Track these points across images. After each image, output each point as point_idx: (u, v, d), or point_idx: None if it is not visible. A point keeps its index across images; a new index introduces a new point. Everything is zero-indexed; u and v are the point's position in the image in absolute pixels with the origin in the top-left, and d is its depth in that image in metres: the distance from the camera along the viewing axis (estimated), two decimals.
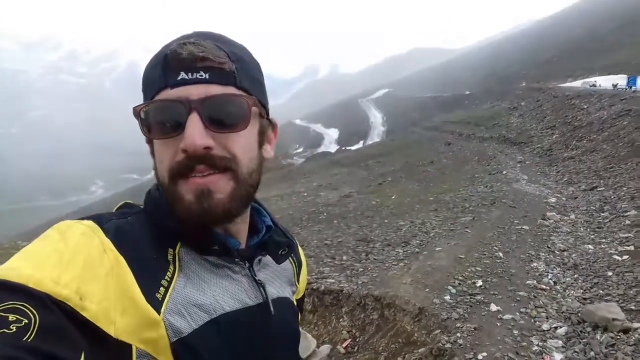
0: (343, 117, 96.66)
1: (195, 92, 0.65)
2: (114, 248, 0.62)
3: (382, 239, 8.78)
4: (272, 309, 0.77)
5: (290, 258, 0.92)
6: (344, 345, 5.46)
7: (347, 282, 6.51)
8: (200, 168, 0.65)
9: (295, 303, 0.92)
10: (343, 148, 60.84)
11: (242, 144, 0.69)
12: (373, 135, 70.64)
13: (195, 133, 0.63)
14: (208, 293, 0.69)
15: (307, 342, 3.97)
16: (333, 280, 6.63)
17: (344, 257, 7.82)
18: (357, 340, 5.55)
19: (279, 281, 0.86)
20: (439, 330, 4.81)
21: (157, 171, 0.70)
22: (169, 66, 0.65)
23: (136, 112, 0.67)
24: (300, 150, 79.02)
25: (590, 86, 29.32)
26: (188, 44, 0.64)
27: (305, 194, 18.61)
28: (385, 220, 10.52)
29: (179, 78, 0.65)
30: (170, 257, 0.68)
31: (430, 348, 4.61)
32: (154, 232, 0.69)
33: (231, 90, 0.68)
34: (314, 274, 6.97)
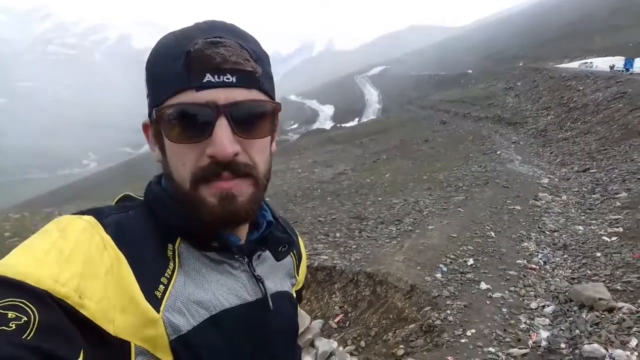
0: (339, 94, 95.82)
1: (223, 96, 0.63)
2: (114, 245, 0.61)
3: (375, 216, 8.85)
4: (270, 304, 0.77)
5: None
6: (336, 320, 5.56)
7: (340, 259, 6.59)
8: (225, 175, 0.64)
9: (294, 295, 0.92)
10: (338, 125, 60.52)
11: (260, 149, 0.69)
12: (368, 113, 70.23)
13: (225, 139, 0.63)
14: (207, 289, 0.69)
15: (301, 319, 4.02)
16: (326, 257, 6.70)
17: (338, 234, 7.89)
18: (349, 315, 5.65)
19: (278, 274, 0.86)
20: (430, 307, 4.91)
21: (172, 172, 0.67)
22: (193, 66, 0.62)
23: (158, 113, 0.65)
24: (295, 126, 78.53)
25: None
26: (216, 44, 0.62)
27: (300, 170, 18.60)
28: (379, 198, 10.57)
29: (204, 80, 0.62)
30: (170, 254, 0.68)
31: (421, 324, 4.71)
32: (154, 227, 0.69)
33: (255, 94, 0.67)
34: (307, 250, 7.01)
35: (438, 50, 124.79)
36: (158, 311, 0.62)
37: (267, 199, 0.84)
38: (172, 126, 0.64)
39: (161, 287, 0.64)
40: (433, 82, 63.93)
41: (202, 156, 0.64)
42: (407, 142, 22.12)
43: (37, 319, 0.49)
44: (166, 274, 0.65)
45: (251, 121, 0.66)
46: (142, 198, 0.75)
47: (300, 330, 3.93)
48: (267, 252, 0.81)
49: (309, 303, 6.11)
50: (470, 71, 55.59)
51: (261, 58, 0.69)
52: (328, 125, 67.72)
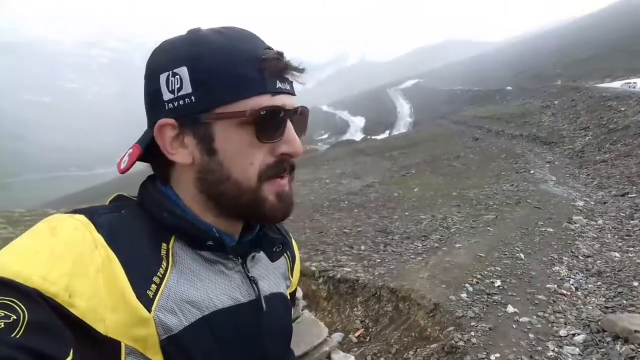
0: (370, 105, 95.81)
1: (289, 101, 0.71)
2: (105, 244, 0.61)
3: (401, 231, 8.73)
4: (264, 305, 0.77)
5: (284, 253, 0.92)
6: (356, 334, 5.49)
7: (364, 272, 6.51)
8: (288, 170, 0.73)
9: (288, 297, 0.92)
10: (368, 137, 60.38)
11: None
12: (399, 126, 69.94)
13: (298, 140, 0.71)
14: (201, 289, 0.69)
15: (319, 330, 3.99)
16: (350, 269, 6.64)
17: (362, 247, 7.81)
18: (370, 330, 5.56)
19: (273, 276, 0.85)
20: (453, 328, 4.78)
21: (233, 172, 0.69)
22: (268, 72, 0.69)
23: (255, 111, 0.67)
24: (325, 136, 78.94)
25: None
26: (282, 54, 0.70)
27: (328, 180, 18.58)
28: (406, 213, 10.44)
29: (277, 87, 0.70)
30: (163, 252, 0.68)
31: (443, 344, 4.59)
32: (148, 226, 0.69)
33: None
34: (331, 261, 6.99)
35: (472, 65, 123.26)
36: (149, 310, 0.62)
37: None
38: (261, 126, 0.68)
39: (153, 286, 0.63)
40: (466, 97, 63.08)
41: (268, 155, 0.70)
42: (437, 157, 21.83)
43: (26, 318, 0.49)
44: (159, 273, 0.65)
45: (303, 125, 0.76)
46: (135, 198, 0.76)
47: (318, 341, 3.89)
48: (262, 253, 0.81)
49: (329, 315, 6.05)
50: (510, 88, 54.44)
51: None
52: (358, 136, 67.75)
